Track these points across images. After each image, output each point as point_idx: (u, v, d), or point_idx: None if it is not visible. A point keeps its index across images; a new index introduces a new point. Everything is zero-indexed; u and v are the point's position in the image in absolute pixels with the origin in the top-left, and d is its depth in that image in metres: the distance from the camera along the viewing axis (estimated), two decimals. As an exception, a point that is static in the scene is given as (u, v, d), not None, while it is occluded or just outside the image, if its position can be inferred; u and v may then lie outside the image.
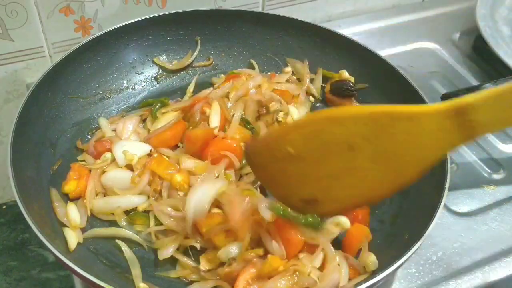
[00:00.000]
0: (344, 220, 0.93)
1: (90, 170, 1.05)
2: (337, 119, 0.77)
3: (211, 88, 1.24)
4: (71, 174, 1.04)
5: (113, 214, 1.01)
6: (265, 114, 1.19)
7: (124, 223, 1.00)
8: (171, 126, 1.11)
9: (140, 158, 1.05)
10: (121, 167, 1.05)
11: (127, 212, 1.01)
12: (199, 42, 1.31)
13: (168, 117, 1.15)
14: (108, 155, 1.07)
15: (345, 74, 1.25)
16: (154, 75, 1.29)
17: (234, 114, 1.15)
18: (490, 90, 0.68)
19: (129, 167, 1.06)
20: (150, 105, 1.19)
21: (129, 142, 1.09)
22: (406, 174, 0.80)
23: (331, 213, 0.89)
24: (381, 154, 0.77)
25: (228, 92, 1.20)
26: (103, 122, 1.16)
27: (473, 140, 0.74)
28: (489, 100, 0.68)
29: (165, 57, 1.30)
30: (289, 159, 0.81)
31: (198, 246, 0.94)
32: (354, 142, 0.76)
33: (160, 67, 1.29)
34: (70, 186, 1.03)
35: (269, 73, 1.28)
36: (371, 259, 0.95)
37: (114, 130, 1.14)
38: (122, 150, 1.05)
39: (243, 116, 1.15)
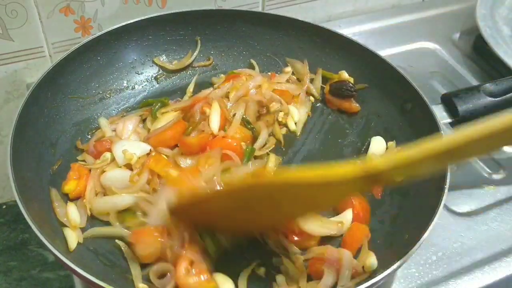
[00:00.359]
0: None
1: (90, 170, 1.05)
2: (248, 189, 0.85)
3: (211, 88, 1.24)
4: (71, 174, 1.04)
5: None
6: (265, 114, 1.19)
7: (116, 222, 0.99)
8: (171, 126, 1.11)
9: (139, 158, 1.05)
10: (121, 167, 1.05)
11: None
12: (199, 42, 1.31)
13: (168, 117, 1.15)
14: (107, 155, 1.07)
15: (344, 75, 1.25)
16: (154, 75, 1.29)
17: (235, 114, 1.15)
18: (397, 155, 0.74)
19: (129, 166, 1.06)
20: (150, 105, 1.19)
21: (129, 142, 1.09)
22: (320, 209, 0.95)
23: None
24: (299, 203, 0.85)
25: (228, 92, 1.20)
26: (103, 122, 1.16)
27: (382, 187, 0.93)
28: (396, 167, 0.75)
29: (165, 57, 1.30)
30: (208, 215, 0.92)
31: None
32: (277, 198, 0.84)
33: (160, 67, 1.29)
34: (70, 186, 1.03)
35: (269, 73, 1.28)
36: (371, 259, 0.95)
37: (114, 130, 1.14)
38: (121, 149, 1.05)
39: (244, 116, 1.15)
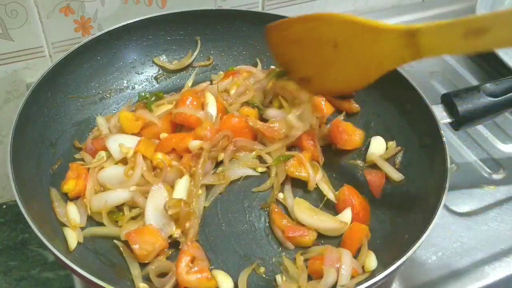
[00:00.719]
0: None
1: (88, 169, 1.05)
2: (327, 20, 1.02)
3: (207, 82, 1.24)
4: (69, 173, 1.04)
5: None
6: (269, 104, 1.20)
7: (108, 222, 0.99)
8: (162, 118, 1.12)
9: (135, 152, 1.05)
10: (117, 163, 1.05)
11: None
12: (199, 42, 1.31)
13: (163, 109, 1.16)
14: (102, 153, 1.06)
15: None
16: (154, 75, 1.29)
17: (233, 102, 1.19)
18: (437, 22, 0.87)
19: (125, 162, 1.05)
20: (146, 99, 1.19)
21: (123, 136, 1.09)
22: (367, 75, 1.05)
23: (318, 92, 1.15)
24: (353, 55, 1.01)
25: (228, 88, 1.21)
26: (100, 120, 1.16)
27: (419, 59, 0.97)
28: (433, 29, 0.88)
29: (165, 57, 1.30)
30: (294, 43, 1.09)
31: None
32: (337, 41, 1.01)
33: (160, 67, 1.29)
34: (69, 186, 1.03)
35: (271, 67, 1.28)
36: (371, 259, 0.95)
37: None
38: (117, 144, 1.05)
39: (249, 101, 1.18)
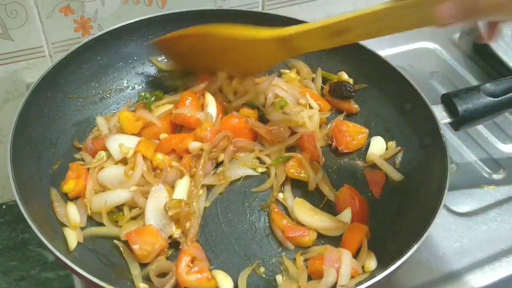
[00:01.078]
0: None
1: (88, 169, 1.05)
2: (211, 35, 1.13)
3: (207, 82, 1.24)
4: (69, 173, 1.04)
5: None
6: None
7: (108, 222, 0.99)
8: (162, 118, 1.12)
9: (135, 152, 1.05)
10: (117, 163, 1.05)
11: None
12: None
13: (163, 109, 1.16)
14: (102, 153, 1.06)
15: (344, 76, 1.25)
16: (154, 75, 1.29)
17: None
18: (305, 26, 1.01)
19: (125, 162, 1.05)
20: (146, 99, 1.19)
21: (122, 136, 1.09)
22: (259, 67, 1.19)
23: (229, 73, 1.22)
24: (240, 57, 1.14)
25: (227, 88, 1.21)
26: (100, 120, 1.16)
27: (295, 55, 1.25)
28: (302, 34, 1.01)
29: (163, 56, 1.30)
30: (185, 52, 1.20)
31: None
32: (224, 48, 1.13)
33: (158, 67, 1.29)
34: (69, 186, 1.02)
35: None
36: (371, 259, 0.95)
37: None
38: (117, 143, 1.05)
39: (249, 102, 1.18)
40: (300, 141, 1.12)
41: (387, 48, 1.48)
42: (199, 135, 1.06)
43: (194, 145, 1.05)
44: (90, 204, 1.01)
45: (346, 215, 1.02)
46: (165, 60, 1.30)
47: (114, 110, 1.21)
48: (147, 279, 0.92)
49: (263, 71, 1.24)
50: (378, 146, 1.15)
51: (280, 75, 1.29)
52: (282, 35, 1.03)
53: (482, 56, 1.48)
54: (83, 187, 1.03)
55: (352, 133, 1.16)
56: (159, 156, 1.03)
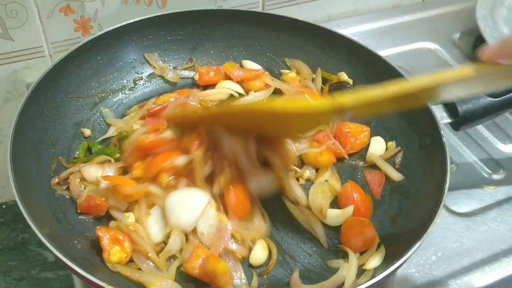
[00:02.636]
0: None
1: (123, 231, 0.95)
2: (245, 114, 0.99)
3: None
4: (105, 243, 0.92)
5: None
6: None
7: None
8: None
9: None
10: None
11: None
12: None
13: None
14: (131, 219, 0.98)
15: (344, 76, 1.25)
16: (154, 75, 1.29)
17: None
18: (360, 95, 0.86)
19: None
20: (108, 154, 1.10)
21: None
22: (300, 133, 1.07)
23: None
24: (281, 125, 0.99)
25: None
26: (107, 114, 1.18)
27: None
28: (359, 105, 0.86)
29: (164, 57, 1.30)
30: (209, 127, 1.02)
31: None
32: (262, 122, 0.97)
33: (156, 69, 1.29)
34: (116, 256, 0.92)
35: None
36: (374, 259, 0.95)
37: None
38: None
39: None
40: (319, 143, 1.13)
41: (387, 48, 1.48)
42: (185, 148, 1.01)
43: (181, 160, 1.00)
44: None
45: (348, 211, 1.02)
46: (161, 62, 1.30)
47: (114, 110, 1.21)
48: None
49: (303, 135, 1.10)
50: (378, 146, 1.15)
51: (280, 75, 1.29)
52: (337, 107, 0.87)
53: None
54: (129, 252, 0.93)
55: (355, 133, 1.16)
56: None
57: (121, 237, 0.92)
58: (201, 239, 0.95)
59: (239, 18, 1.31)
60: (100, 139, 1.15)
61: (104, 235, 0.92)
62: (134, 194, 0.97)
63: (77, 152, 1.10)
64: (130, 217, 0.97)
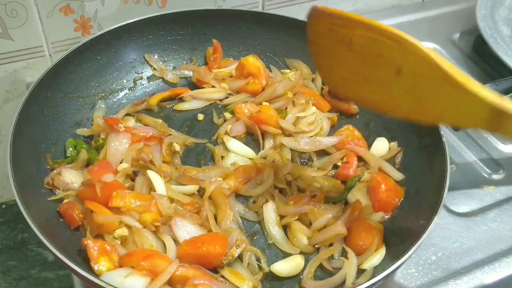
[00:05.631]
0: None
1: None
2: (405, 47, 0.82)
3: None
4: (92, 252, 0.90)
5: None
6: None
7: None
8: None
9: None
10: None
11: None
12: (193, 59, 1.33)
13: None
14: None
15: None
16: (154, 75, 1.29)
17: None
18: None
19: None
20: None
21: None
22: (417, 113, 0.87)
23: (345, 96, 1.04)
24: (415, 90, 0.84)
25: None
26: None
27: (491, 132, 0.90)
28: None
29: (157, 57, 1.30)
30: (342, 43, 0.88)
31: None
32: (403, 70, 0.83)
33: (156, 70, 1.29)
34: (105, 265, 0.90)
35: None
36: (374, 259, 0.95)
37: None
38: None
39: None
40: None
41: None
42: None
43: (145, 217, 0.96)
44: None
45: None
46: (161, 63, 1.29)
47: (114, 110, 1.21)
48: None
49: (432, 122, 0.95)
50: (381, 147, 1.15)
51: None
52: (501, 107, 0.75)
53: (482, 56, 1.48)
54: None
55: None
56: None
57: (108, 248, 0.91)
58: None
59: (239, 18, 1.31)
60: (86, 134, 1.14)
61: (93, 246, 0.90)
62: (105, 224, 0.93)
63: (69, 150, 1.10)
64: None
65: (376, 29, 0.83)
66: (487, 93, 0.76)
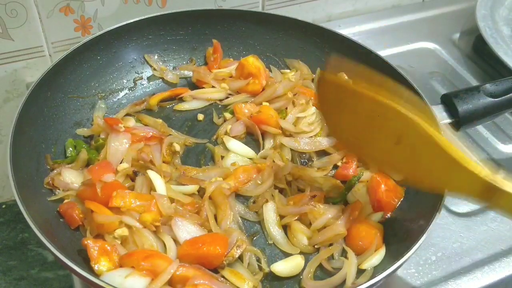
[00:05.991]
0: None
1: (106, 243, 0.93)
2: (402, 119, 0.87)
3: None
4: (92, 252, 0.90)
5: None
6: None
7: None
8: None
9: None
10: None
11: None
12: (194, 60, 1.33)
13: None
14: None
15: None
16: (154, 75, 1.29)
17: None
18: None
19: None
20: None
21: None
22: (420, 185, 0.97)
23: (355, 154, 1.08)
24: (415, 163, 0.91)
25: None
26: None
27: (483, 204, 0.99)
28: None
29: (156, 57, 1.30)
30: (351, 111, 0.94)
31: None
32: (403, 141, 0.89)
33: (156, 71, 1.29)
34: (106, 265, 0.90)
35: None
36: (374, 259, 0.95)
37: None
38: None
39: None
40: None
41: (387, 48, 1.48)
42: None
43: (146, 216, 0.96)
44: None
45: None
46: (161, 63, 1.29)
47: (114, 110, 1.21)
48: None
49: (429, 190, 0.96)
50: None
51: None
52: (492, 183, 0.82)
53: (482, 56, 1.48)
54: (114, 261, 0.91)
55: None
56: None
57: (108, 248, 0.91)
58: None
59: (239, 18, 1.31)
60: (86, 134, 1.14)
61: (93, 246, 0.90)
62: (106, 224, 0.93)
63: (69, 150, 1.10)
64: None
65: (379, 103, 0.88)
66: (480, 169, 0.83)
